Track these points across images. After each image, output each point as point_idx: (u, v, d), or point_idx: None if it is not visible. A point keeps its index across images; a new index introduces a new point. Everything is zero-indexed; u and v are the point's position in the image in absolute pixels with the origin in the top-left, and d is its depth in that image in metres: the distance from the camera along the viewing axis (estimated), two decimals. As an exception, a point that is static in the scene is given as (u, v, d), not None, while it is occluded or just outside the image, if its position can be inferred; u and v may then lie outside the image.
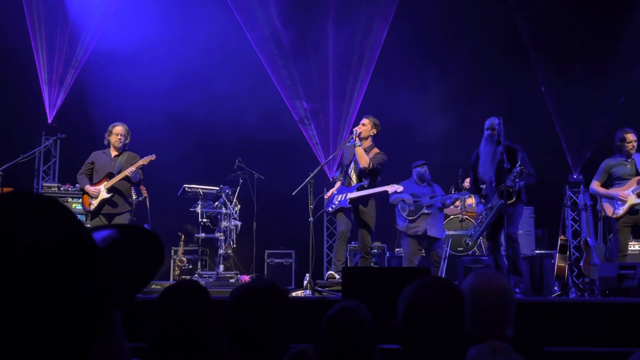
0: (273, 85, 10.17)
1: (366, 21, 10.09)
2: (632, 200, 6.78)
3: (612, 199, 6.94)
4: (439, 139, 9.51)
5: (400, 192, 7.32)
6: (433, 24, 10.26)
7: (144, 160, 7.20)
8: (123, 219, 7.15)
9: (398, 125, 10.04)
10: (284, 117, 10.04)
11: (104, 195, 7.08)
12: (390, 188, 7.08)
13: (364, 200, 6.97)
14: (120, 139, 7.24)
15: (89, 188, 7.12)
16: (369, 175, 7.01)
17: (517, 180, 6.24)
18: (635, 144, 6.90)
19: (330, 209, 7.16)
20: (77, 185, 7.44)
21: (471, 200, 8.93)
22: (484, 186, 6.60)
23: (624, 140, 6.92)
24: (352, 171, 7.12)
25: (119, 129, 7.27)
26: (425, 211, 8.01)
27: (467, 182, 8.07)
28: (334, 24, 10.16)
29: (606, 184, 7.10)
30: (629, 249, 7.70)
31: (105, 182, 7.13)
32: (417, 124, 9.96)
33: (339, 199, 7.05)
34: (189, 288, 2.35)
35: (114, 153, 7.29)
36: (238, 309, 1.96)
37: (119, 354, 0.78)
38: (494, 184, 6.48)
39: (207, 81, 10.10)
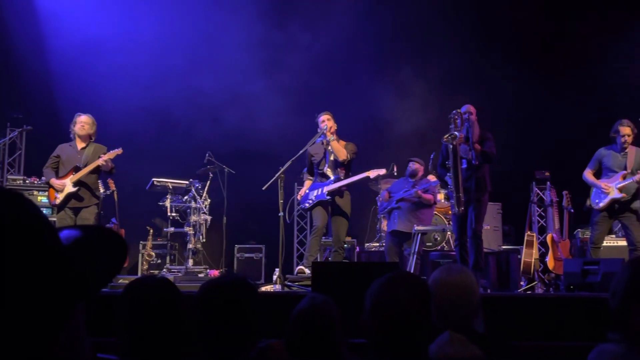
0: (248, 80, 10.11)
1: (341, 18, 10.08)
2: (613, 193, 6.76)
3: (598, 189, 6.90)
4: (416, 133, 9.57)
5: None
6: (409, 19, 10.33)
7: (111, 154, 7.06)
8: (90, 213, 7.03)
9: (377, 120, 10.11)
10: (256, 112, 10.00)
11: (70, 188, 6.96)
12: (373, 173, 7.11)
13: (340, 192, 6.99)
14: (83, 127, 7.07)
15: (55, 182, 6.99)
16: (344, 167, 7.04)
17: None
18: (628, 138, 6.81)
19: (307, 205, 7.13)
20: (43, 178, 7.28)
21: (441, 196, 9.01)
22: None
23: (618, 132, 6.86)
24: (327, 166, 7.12)
25: (83, 118, 7.13)
26: (394, 205, 8.08)
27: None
28: (309, 21, 10.16)
29: (598, 173, 7.04)
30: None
31: (72, 176, 7.00)
32: (395, 119, 10.01)
33: (315, 194, 7.05)
34: (153, 282, 2.34)
35: (80, 145, 7.14)
36: (207, 303, 1.95)
37: (82, 348, 0.78)
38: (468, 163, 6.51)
39: (179, 75, 10.03)
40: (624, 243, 7.29)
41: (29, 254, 0.67)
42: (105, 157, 7.00)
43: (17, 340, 0.66)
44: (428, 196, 8.08)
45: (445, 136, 6.42)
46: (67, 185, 6.95)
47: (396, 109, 9.99)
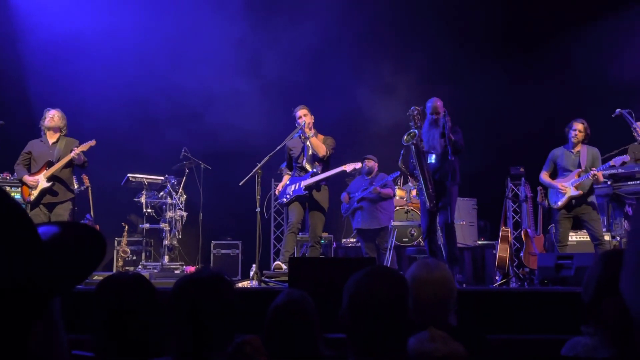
0: (225, 76, 10.05)
1: (320, 13, 10.07)
2: (570, 192, 6.97)
3: (554, 189, 7.13)
4: (393, 128, 9.60)
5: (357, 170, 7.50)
6: (388, 15, 10.36)
7: (84, 146, 6.96)
8: (64, 209, 6.94)
9: (355, 115, 10.13)
10: (233, 108, 9.95)
11: (43, 184, 6.86)
12: (349, 167, 7.14)
13: (318, 186, 6.99)
14: (52, 118, 6.96)
15: (27, 178, 6.89)
16: (323, 162, 7.04)
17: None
18: (578, 133, 7.02)
19: (285, 199, 7.12)
20: (15, 175, 7.17)
21: (401, 193, 9.13)
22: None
23: (570, 127, 7.08)
24: (305, 161, 7.11)
25: (52, 112, 7.02)
26: (356, 205, 8.26)
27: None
28: (288, 17, 10.13)
29: (554, 174, 7.25)
30: (569, 239, 7.95)
31: (45, 171, 6.90)
32: (373, 114, 10.03)
33: (292, 189, 7.04)
34: (127, 278, 2.33)
35: (51, 140, 7.02)
36: (183, 298, 1.93)
37: (59, 344, 0.78)
38: (440, 157, 6.54)
39: (157, 70, 9.93)
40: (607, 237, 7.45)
41: (6, 248, 0.68)
42: (79, 149, 6.91)
43: None
44: (387, 190, 8.35)
45: (405, 137, 6.45)
46: (41, 181, 6.86)
47: (374, 104, 10.03)
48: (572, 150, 7.11)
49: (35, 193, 6.83)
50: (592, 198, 7.05)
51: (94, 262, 0.81)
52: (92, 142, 7.04)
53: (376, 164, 8.43)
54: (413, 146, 6.42)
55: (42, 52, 9.65)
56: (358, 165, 7.28)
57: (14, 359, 0.69)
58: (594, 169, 6.95)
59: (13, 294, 0.68)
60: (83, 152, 6.96)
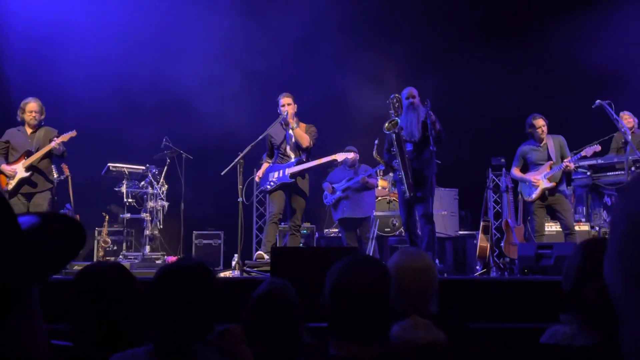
0: (208, 65, 9.97)
1: (305, 1, 10.03)
2: (542, 184, 7.13)
3: (528, 183, 7.24)
4: (376, 116, 9.61)
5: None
6: (374, 3, 10.36)
7: (64, 137, 6.91)
8: (43, 198, 6.88)
9: (339, 103, 10.11)
10: (215, 97, 9.88)
11: (22, 174, 6.78)
12: (340, 156, 7.13)
13: (302, 173, 6.97)
14: (35, 117, 6.90)
15: (5, 167, 6.81)
16: (305, 151, 7.03)
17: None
18: (544, 128, 7.20)
19: (268, 187, 7.07)
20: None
21: (383, 183, 9.18)
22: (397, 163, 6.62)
23: (533, 126, 7.23)
24: (288, 148, 7.08)
25: (32, 105, 6.92)
26: (341, 195, 8.28)
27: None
28: (273, 4, 10.09)
29: (525, 168, 7.40)
30: (548, 229, 8.03)
31: (24, 161, 6.83)
32: (357, 102, 10.03)
33: (276, 176, 7.00)
34: (105, 267, 2.31)
35: (29, 130, 6.96)
36: (164, 287, 1.92)
37: (37, 332, 0.79)
38: (418, 145, 6.56)
39: (139, 58, 9.83)
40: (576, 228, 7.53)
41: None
42: (59, 139, 6.85)
43: None
44: (372, 181, 8.47)
45: (386, 124, 6.47)
46: (19, 170, 6.78)
47: (357, 93, 10.02)
48: (540, 145, 7.27)
49: (13, 183, 6.76)
50: (563, 187, 7.19)
51: (73, 252, 0.81)
52: (73, 133, 6.98)
53: (357, 155, 8.45)
54: (394, 135, 6.43)
55: (22, 38, 9.50)
56: (350, 155, 7.30)
57: None
58: (566, 160, 7.10)
59: None
60: (63, 142, 6.89)
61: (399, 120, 6.44)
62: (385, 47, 10.34)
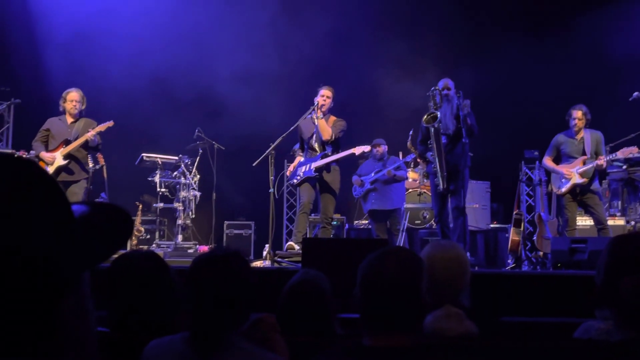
0: (242, 57, 10.03)
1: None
2: (574, 178, 6.98)
3: (559, 175, 7.12)
4: (411, 111, 9.57)
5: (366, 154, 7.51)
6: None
7: (101, 127, 7.04)
8: (79, 187, 7.01)
9: (372, 95, 10.08)
10: (248, 89, 9.94)
11: (60, 162, 6.93)
12: (358, 150, 7.14)
13: (328, 168, 6.99)
14: (75, 106, 7.06)
15: (44, 154, 6.97)
16: (332, 144, 7.03)
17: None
18: (579, 121, 7.00)
19: (295, 180, 7.15)
20: (32, 152, 7.25)
21: (413, 175, 9.12)
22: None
23: (570, 115, 7.07)
24: (315, 143, 7.11)
25: (73, 94, 7.08)
26: (369, 187, 8.26)
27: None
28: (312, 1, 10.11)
29: (557, 159, 7.26)
30: (582, 223, 7.93)
31: (62, 149, 6.97)
32: (390, 95, 10.00)
33: (303, 170, 7.05)
34: (140, 255, 2.35)
35: (69, 120, 7.12)
36: (200, 276, 1.95)
37: (88, 316, 0.82)
38: (452, 137, 6.52)
39: (177, 51, 9.93)
40: (610, 222, 7.42)
41: (43, 222, 0.71)
42: (95, 130, 6.97)
43: (25, 302, 0.70)
44: (401, 173, 8.38)
45: (425, 117, 6.42)
46: (57, 158, 6.93)
47: (392, 84, 9.96)
48: (575, 138, 7.10)
49: (51, 170, 6.90)
50: (595, 184, 7.05)
51: (122, 240, 0.84)
52: (110, 123, 7.10)
53: (386, 148, 8.41)
54: (432, 128, 6.38)
55: (66, 29, 9.63)
56: (367, 148, 7.28)
57: (46, 332, 0.72)
58: (600, 157, 6.93)
59: (48, 267, 0.71)
60: (100, 132, 7.02)
61: (438, 114, 6.36)
62: (420, 38, 10.25)
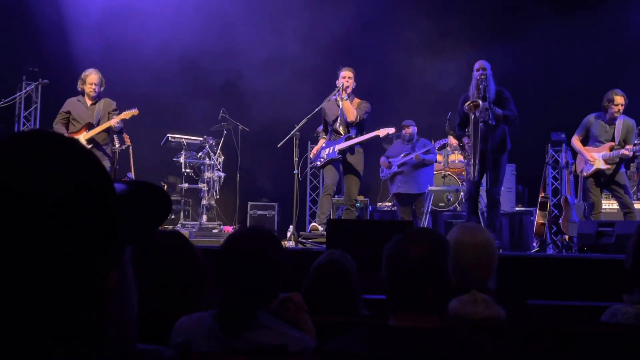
0: (267, 39, 10.02)
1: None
2: (598, 164, 6.86)
3: (584, 157, 7.01)
4: (435, 90, 9.49)
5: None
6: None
7: (126, 115, 7.00)
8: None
9: (397, 76, 10.02)
10: (272, 70, 9.93)
11: None
12: (382, 132, 7.12)
13: (352, 150, 6.97)
14: (95, 89, 7.00)
15: None
16: (356, 126, 7.00)
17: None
18: (621, 107, 6.80)
19: (318, 163, 7.14)
20: (56, 134, 7.32)
21: (454, 157, 9.01)
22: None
23: (611, 101, 6.81)
24: (339, 125, 7.07)
25: (93, 77, 7.01)
26: (397, 170, 8.20)
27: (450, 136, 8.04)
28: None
29: (585, 140, 7.13)
30: (609, 206, 7.83)
31: (85, 133, 6.97)
32: (415, 76, 9.94)
33: (327, 153, 7.04)
34: (165, 235, 2.38)
35: (89, 102, 7.06)
36: (231, 255, 1.97)
37: (130, 290, 0.87)
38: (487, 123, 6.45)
39: (206, 33, 9.93)
40: (637, 206, 7.33)
41: (95, 199, 0.74)
42: (119, 117, 6.95)
43: (71, 276, 0.72)
44: (430, 157, 8.29)
45: (468, 104, 6.29)
46: (81, 142, 6.97)
47: (419, 66, 9.89)
48: (608, 122, 6.94)
49: (73, 154, 6.94)
50: (621, 169, 6.95)
51: (162, 216, 0.86)
52: (135, 111, 7.05)
53: (415, 129, 8.36)
54: (474, 116, 6.29)
55: (92, 9, 9.69)
56: (391, 130, 7.24)
57: (90, 306, 0.74)
58: (628, 147, 6.78)
59: (94, 242, 0.73)
60: (124, 119, 7.02)
61: (480, 103, 6.24)
62: (447, 19, 10.14)
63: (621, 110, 6.84)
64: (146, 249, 2.28)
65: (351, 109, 6.90)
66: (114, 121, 6.92)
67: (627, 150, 6.76)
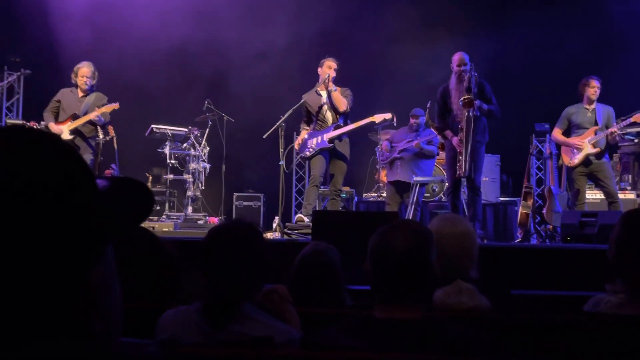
0: (254, 31, 9.97)
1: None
2: (587, 149, 6.91)
3: (570, 147, 7.07)
4: (418, 78, 9.49)
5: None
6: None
7: (106, 108, 7.00)
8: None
9: (381, 63, 10.01)
10: (258, 61, 9.89)
11: (65, 136, 6.93)
12: (378, 117, 7.11)
13: (340, 138, 6.96)
14: (86, 82, 7.04)
15: (53, 126, 7.00)
16: (343, 115, 7.01)
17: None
18: (597, 90, 6.95)
19: (307, 153, 7.08)
20: (42, 122, 7.29)
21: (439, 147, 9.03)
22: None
23: (587, 84, 6.98)
24: (326, 114, 7.05)
25: (85, 70, 7.05)
26: (397, 155, 8.12)
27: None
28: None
29: (567, 132, 7.20)
30: (592, 197, 7.89)
31: (69, 123, 6.98)
32: (399, 63, 9.93)
33: (315, 142, 7.00)
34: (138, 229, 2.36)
35: (80, 94, 7.12)
36: (215, 247, 1.97)
37: (113, 286, 0.85)
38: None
39: (192, 23, 9.85)
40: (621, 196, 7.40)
41: (76, 196, 0.74)
42: (99, 111, 6.94)
43: (54, 271, 0.72)
44: (431, 148, 8.16)
45: (463, 99, 6.28)
46: (64, 132, 6.94)
47: (401, 52, 9.88)
48: (588, 108, 7.03)
49: (57, 143, 6.90)
50: (605, 157, 7.02)
51: (144, 212, 0.86)
52: (115, 105, 7.06)
53: (424, 119, 8.20)
54: (467, 114, 6.30)
55: (88, 1, 9.59)
56: (388, 115, 7.23)
57: (74, 301, 0.75)
58: (614, 126, 6.90)
59: (77, 238, 0.73)
60: (106, 113, 7.01)
61: (472, 99, 6.24)
62: (432, 7, 10.15)
63: (597, 93, 6.97)
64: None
65: (341, 99, 6.90)
66: (94, 115, 6.90)
67: (613, 128, 6.87)
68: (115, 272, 0.84)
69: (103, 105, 7.05)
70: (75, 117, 6.98)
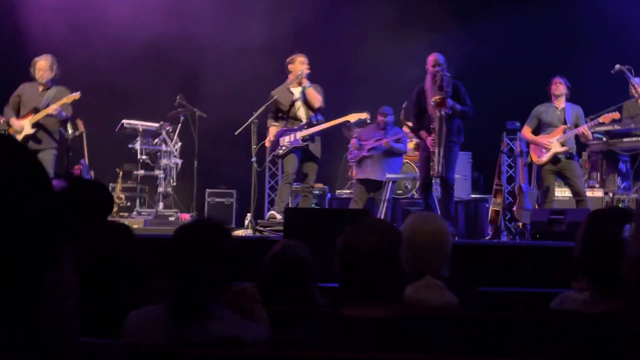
0: (228, 27, 9.90)
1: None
2: (555, 148, 7.01)
3: (539, 146, 7.16)
4: (392, 76, 9.51)
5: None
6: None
7: (67, 99, 6.87)
8: (47, 155, 6.84)
9: (353, 62, 10.01)
10: (230, 55, 9.83)
11: (28, 130, 6.80)
12: (353, 117, 7.11)
13: (312, 137, 6.95)
14: (43, 75, 6.88)
15: (14, 122, 6.88)
16: (317, 112, 7.00)
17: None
18: (560, 86, 7.08)
19: (280, 151, 7.04)
20: (2, 118, 7.17)
21: (411, 145, 9.06)
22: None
23: (551, 82, 7.15)
24: (298, 111, 7.03)
25: (41, 63, 6.89)
26: (366, 154, 8.16)
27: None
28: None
29: (537, 130, 7.29)
30: (560, 194, 8.00)
31: (30, 117, 6.85)
32: (372, 61, 9.94)
33: (288, 140, 6.97)
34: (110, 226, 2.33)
35: (40, 88, 6.96)
36: (182, 246, 1.95)
37: (70, 289, 0.86)
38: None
39: (158, 17, 9.74)
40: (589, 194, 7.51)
41: (33, 197, 0.74)
42: (58, 104, 6.79)
43: (10, 272, 0.72)
44: (399, 146, 8.22)
45: (435, 99, 6.31)
46: (26, 126, 6.82)
47: (374, 50, 9.90)
48: (557, 105, 7.14)
49: (19, 138, 6.76)
50: (574, 158, 7.13)
51: (103, 214, 0.85)
52: (76, 95, 6.91)
53: (392, 118, 8.26)
54: (439, 114, 6.33)
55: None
56: (363, 115, 7.23)
57: (29, 301, 0.74)
58: (583, 126, 7.02)
59: (32, 239, 0.73)
60: (75, 101, 6.87)
61: (444, 98, 6.28)
62: (408, 5, 10.19)
63: (560, 88, 7.10)
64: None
65: (316, 95, 6.89)
66: (52, 108, 6.76)
67: (582, 128, 6.99)
68: (72, 273, 0.82)
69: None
70: (36, 110, 6.85)
